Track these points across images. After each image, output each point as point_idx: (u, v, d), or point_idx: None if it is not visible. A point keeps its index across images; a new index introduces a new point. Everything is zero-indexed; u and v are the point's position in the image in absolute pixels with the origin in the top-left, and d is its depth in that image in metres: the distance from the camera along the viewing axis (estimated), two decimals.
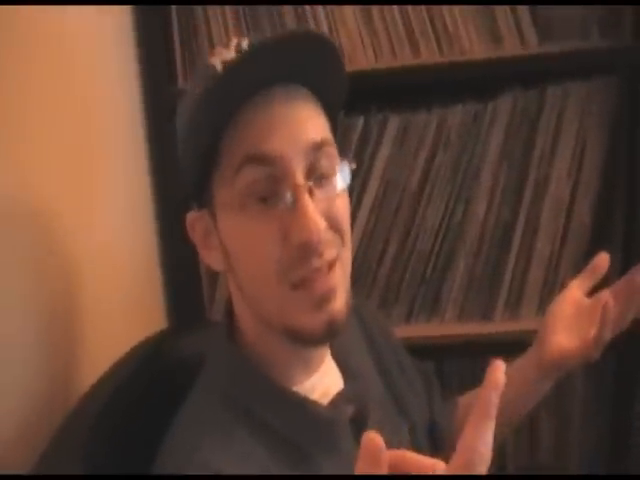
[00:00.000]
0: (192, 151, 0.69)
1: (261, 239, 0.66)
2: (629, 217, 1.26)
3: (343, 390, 0.75)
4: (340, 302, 0.68)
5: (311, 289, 0.66)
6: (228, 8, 1.26)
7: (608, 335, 0.82)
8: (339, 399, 0.73)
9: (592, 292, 0.89)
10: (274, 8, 1.25)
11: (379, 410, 0.78)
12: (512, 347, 0.94)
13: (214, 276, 1.33)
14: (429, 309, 1.34)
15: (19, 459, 0.73)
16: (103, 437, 0.76)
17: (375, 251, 1.32)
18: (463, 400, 1.00)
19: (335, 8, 1.24)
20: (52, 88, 0.88)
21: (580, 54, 1.21)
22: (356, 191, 1.28)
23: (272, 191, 0.65)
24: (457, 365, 1.35)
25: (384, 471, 0.46)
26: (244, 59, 0.64)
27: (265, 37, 0.68)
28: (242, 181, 0.66)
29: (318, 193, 0.66)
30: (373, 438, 0.46)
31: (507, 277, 1.31)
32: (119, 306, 1.03)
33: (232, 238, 0.69)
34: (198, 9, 1.27)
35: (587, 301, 0.88)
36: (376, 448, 0.46)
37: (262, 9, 1.25)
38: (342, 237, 0.69)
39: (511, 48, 1.24)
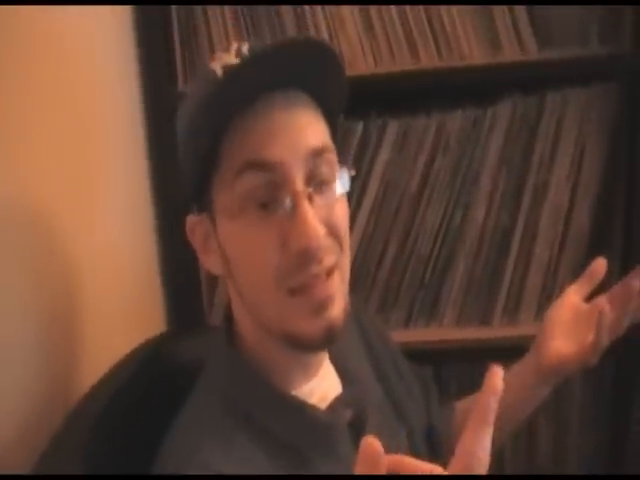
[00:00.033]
0: (192, 155, 0.70)
1: (260, 245, 0.66)
2: (628, 223, 1.26)
3: (341, 394, 0.75)
4: (338, 309, 0.68)
5: (309, 295, 0.67)
6: (228, 10, 1.26)
7: (605, 341, 0.82)
8: (337, 403, 0.73)
9: (591, 297, 0.89)
10: (274, 11, 1.26)
11: (377, 415, 0.78)
12: (510, 352, 0.94)
13: (214, 280, 1.33)
14: (428, 314, 1.34)
15: (19, 460, 0.73)
16: (103, 438, 0.76)
17: (374, 255, 1.32)
18: (461, 405, 1.00)
19: (335, 13, 1.25)
20: (52, 89, 0.88)
21: (579, 60, 1.22)
22: (356, 195, 1.28)
23: (271, 197, 0.66)
24: (455, 370, 1.35)
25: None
26: (245, 64, 0.64)
27: (266, 43, 0.68)
28: (242, 186, 0.66)
29: (317, 199, 0.66)
30: (372, 443, 0.46)
31: (506, 282, 1.31)
32: (119, 308, 1.03)
33: (231, 243, 0.69)
34: (198, 10, 1.27)
35: (585, 306, 0.88)
36: (375, 452, 0.46)
37: (262, 12, 1.26)
38: (341, 244, 0.69)
39: (511, 54, 1.25)
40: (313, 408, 0.72)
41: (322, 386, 0.75)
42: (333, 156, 0.69)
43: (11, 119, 0.76)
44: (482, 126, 1.27)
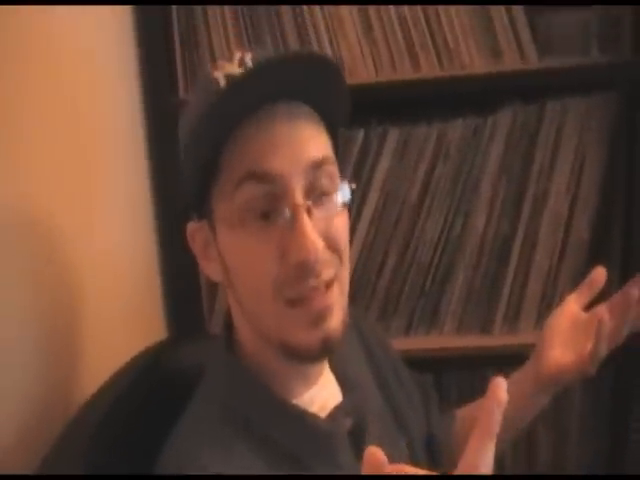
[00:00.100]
0: (192, 163, 0.70)
1: (259, 256, 0.66)
2: (627, 232, 1.27)
3: (341, 403, 0.75)
4: (336, 320, 0.68)
5: (308, 306, 0.67)
6: (229, 19, 1.27)
7: (604, 350, 0.82)
8: (337, 412, 0.73)
9: (590, 306, 0.89)
10: (275, 21, 1.26)
11: (377, 423, 0.78)
12: (510, 360, 0.94)
13: (214, 287, 1.33)
14: (428, 322, 1.34)
15: (19, 466, 0.73)
16: (103, 446, 0.77)
17: (374, 263, 1.32)
18: (461, 413, 1.00)
19: (336, 21, 1.25)
20: (52, 90, 0.88)
21: (580, 69, 1.22)
22: (356, 203, 1.28)
23: (271, 207, 0.66)
24: (456, 378, 1.35)
25: None
26: (248, 75, 0.64)
27: (269, 55, 0.69)
28: (241, 197, 0.66)
29: (317, 212, 0.66)
30: (375, 452, 0.46)
31: (506, 291, 1.31)
32: (119, 316, 1.03)
33: (230, 252, 0.69)
34: (198, 10, 1.27)
35: (584, 316, 0.88)
36: (378, 462, 0.46)
37: (263, 20, 1.26)
38: (340, 256, 0.69)
39: (511, 63, 1.25)
40: (313, 417, 0.72)
41: (322, 395, 0.74)
42: (334, 168, 0.69)
43: (10, 121, 0.76)
44: (482, 135, 1.27)
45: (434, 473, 0.50)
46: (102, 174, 1.04)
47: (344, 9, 1.25)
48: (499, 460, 0.50)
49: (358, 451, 0.72)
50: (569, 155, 1.27)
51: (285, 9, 1.26)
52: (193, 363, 0.82)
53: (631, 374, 1.27)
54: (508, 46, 1.25)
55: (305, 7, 1.25)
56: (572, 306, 0.89)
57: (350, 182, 0.70)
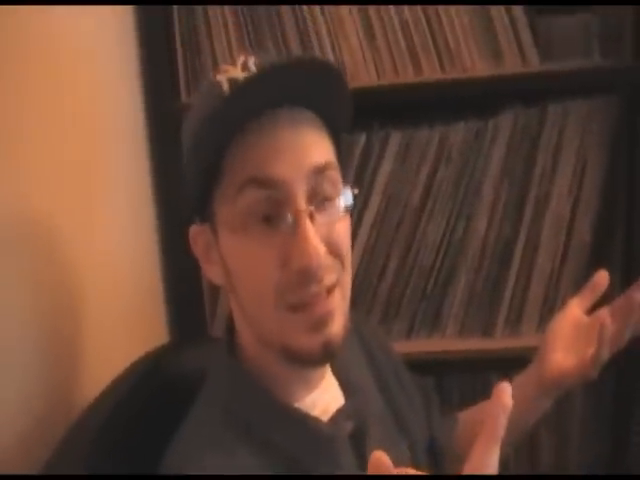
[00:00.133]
0: (195, 167, 0.70)
1: (261, 261, 0.66)
2: (629, 235, 1.27)
3: (343, 407, 0.75)
4: (338, 325, 0.68)
5: (309, 312, 0.67)
6: (230, 21, 1.27)
7: (606, 354, 0.82)
8: (339, 415, 0.73)
9: (592, 309, 0.89)
10: (277, 25, 1.26)
11: (379, 426, 0.78)
12: (512, 363, 0.94)
13: (216, 291, 1.34)
14: (430, 325, 1.34)
15: (20, 471, 0.73)
16: (104, 451, 0.77)
17: (376, 266, 1.32)
18: (463, 416, 1.00)
19: (338, 25, 1.26)
20: (52, 90, 0.88)
21: (581, 73, 1.22)
22: (358, 207, 1.28)
23: (274, 212, 0.66)
24: (457, 381, 1.35)
25: None
26: (252, 80, 0.65)
27: (272, 60, 0.69)
28: (243, 201, 0.66)
29: (319, 217, 0.66)
30: (380, 457, 0.47)
31: (507, 294, 1.31)
32: (120, 318, 1.03)
33: (232, 256, 0.69)
34: (199, 10, 1.28)
35: (586, 319, 0.88)
36: (383, 467, 0.46)
37: (264, 25, 1.26)
38: (342, 262, 0.69)
39: (512, 66, 1.25)
40: (315, 420, 0.72)
41: (324, 398, 0.74)
42: (336, 173, 0.69)
43: (10, 121, 0.76)
44: (484, 138, 1.27)
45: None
46: (102, 175, 1.04)
47: (346, 14, 1.25)
48: (503, 464, 0.50)
49: (359, 454, 0.72)
50: (571, 158, 1.27)
51: (287, 13, 1.26)
52: (195, 367, 0.82)
53: (633, 378, 1.27)
54: (510, 49, 1.25)
55: (307, 11, 1.26)
56: (574, 310, 0.89)
57: (352, 187, 0.70)
